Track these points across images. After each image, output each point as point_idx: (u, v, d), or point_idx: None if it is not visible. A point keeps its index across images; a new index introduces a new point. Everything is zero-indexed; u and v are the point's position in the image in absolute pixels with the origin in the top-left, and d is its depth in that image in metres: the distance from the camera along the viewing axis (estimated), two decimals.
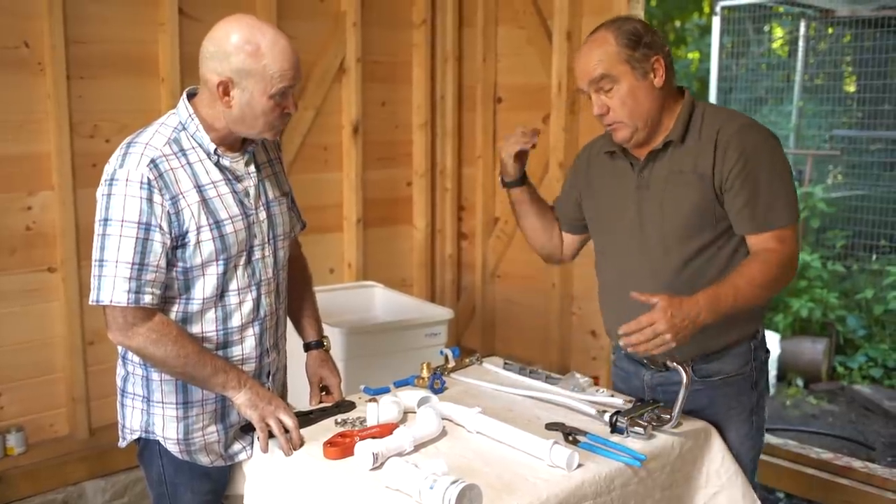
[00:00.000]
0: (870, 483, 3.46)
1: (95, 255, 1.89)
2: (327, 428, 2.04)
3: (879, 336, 6.05)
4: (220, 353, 2.01)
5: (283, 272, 2.16)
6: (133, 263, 1.85)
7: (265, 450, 1.97)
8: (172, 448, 2.03)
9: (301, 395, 2.32)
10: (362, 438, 1.89)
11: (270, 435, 1.97)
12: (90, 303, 1.92)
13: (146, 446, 2.07)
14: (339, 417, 2.10)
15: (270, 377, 2.15)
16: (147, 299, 1.87)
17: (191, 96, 1.99)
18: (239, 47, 1.84)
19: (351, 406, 2.17)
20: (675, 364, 1.99)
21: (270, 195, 2.08)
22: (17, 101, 3.17)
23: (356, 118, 4.11)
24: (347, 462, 1.86)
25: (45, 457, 3.28)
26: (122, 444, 2.10)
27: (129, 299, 1.85)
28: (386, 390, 2.28)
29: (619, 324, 2.26)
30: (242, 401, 1.97)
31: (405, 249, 4.50)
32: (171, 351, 1.89)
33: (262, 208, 2.04)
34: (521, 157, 2.32)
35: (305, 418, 2.07)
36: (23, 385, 3.28)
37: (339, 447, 1.88)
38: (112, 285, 1.85)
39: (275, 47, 1.86)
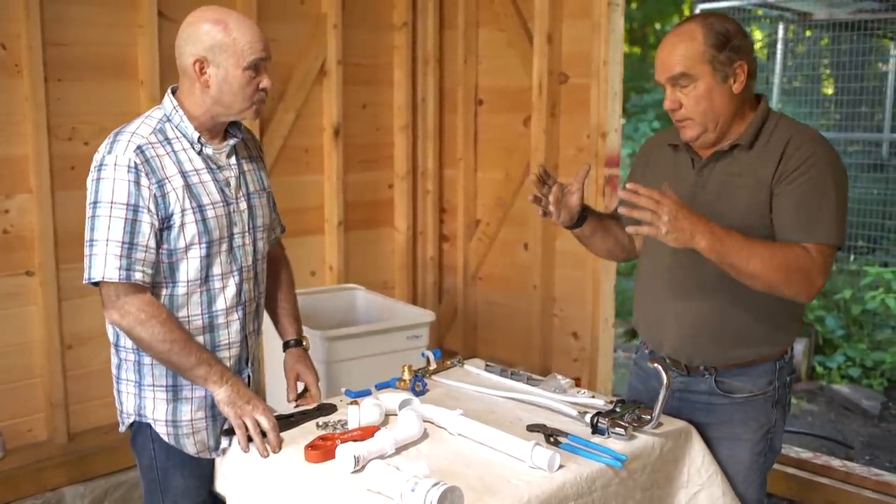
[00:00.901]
0: (849, 482, 3.49)
1: (87, 236, 1.95)
2: (308, 431, 2.04)
3: (857, 336, 6.11)
4: (208, 336, 2.08)
5: (262, 263, 2.23)
6: (123, 242, 1.92)
7: (245, 449, 1.97)
8: (161, 430, 2.08)
9: (283, 396, 2.31)
10: (344, 441, 1.88)
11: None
12: (83, 282, 1.97)
13: (139, 430, 2.11)
14: (321, 420, 2.09)
15: (250, 364, 2.21)
16: (138, 276, 1.94)
17: (174, 93, 2.09)
18: (209, 28, 1.97)
19: (332, 409, 2.17)
20: (655, 365, 2.00)
21: (251, 187, 2.17)
22: None
23: (337, 120, 4.10)
24: (329, 465, 1.85)
25: (23, 462, 3.25)
26: (121, 428, 2.16)
27: (120, 276, 1.91)
28: (367, 393, 2.28)
29: (651, 322, 2.24)
30: (222, 397, 2.00)
31: (387, 252, 4.50)
32: (157, 333, 1.94)
33: (242, 198, 2.12)
34: (567, 205, 2.17)
35: (286, 421, 2.06)
36: (0, 390, 3.25)
37: (321, 450, 1.88)
38: (104, 263, 1.92)
39: (242, 23, 2.00)
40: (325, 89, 4.08)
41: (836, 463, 3.62)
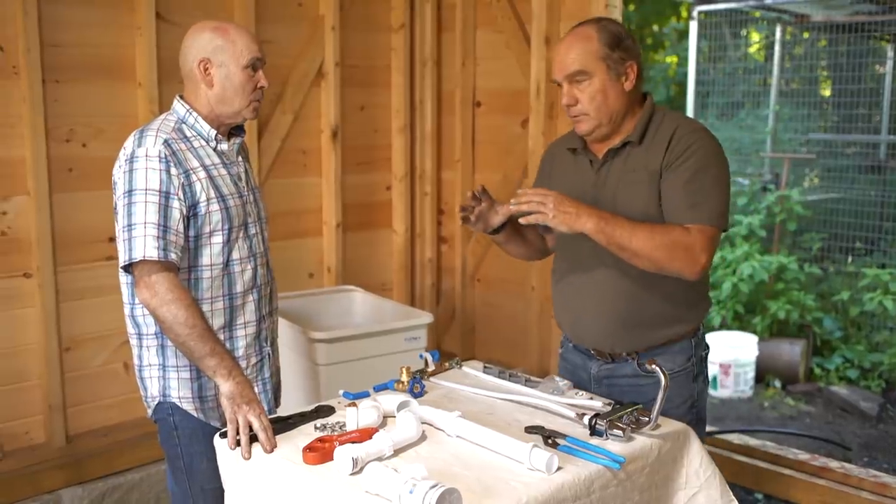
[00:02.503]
0: (846, 483, 3.50)
1: (124, 222, 2.09)
2: (306, 433, 2.03)
3: (855, 337, 6.11)
4: (228, 316, 2.25)
5: (269, 252, 2.42)
6: (159, 225, 2.07)
7: (232, 446, 1.99)
8: (188, 407, 2.22)
9: (288, 401, 2.32)
10: (342, 443, 1.88)
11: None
12: (122, 265, 2.10)
13: (163, 415, 2.24)
14: (319, 422, 2.09)
15: (270, 343, 2.39)
16: (173, 256, 2.09)
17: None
18: (211, 35, 2.20)
19: (330, 411, 2.17)
20: (654, 366, 2.00)
21: (252, 184, 2.38)
22: None
23: (335, 122, 4.10)
24: (327, 467, 1.85)
25: (20, 465, 3.24)
26: (149, 413, 2.29)
27: (159, 255, 2.05)
28: (365, 395, 2.27)
29: (572, 318, 2.39)
30: (225, 391, 2.05)
31: (385, 253, 4.50)
32: (180, 316, 2.05)
33: (250, 192, 2.34)
34: (486, 219, 2.34)
35: (284, 423, 2.06)
36: None
37: (319, 452, 1.88)
38: (143, 244, 2.06)
39: (239, 29, 2.24)
40: (323, 91, 4.08)
41: (833, 464, 3.63)
